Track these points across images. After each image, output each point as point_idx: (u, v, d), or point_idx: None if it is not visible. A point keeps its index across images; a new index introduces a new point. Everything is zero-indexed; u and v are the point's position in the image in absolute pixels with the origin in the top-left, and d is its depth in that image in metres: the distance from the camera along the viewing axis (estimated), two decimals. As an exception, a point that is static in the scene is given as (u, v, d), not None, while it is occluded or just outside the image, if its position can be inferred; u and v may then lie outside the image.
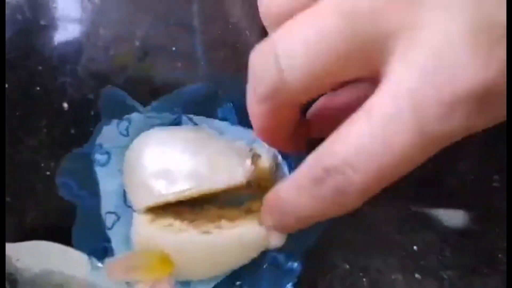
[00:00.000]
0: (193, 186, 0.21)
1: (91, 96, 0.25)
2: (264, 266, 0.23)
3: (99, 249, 0.23)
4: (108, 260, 0.20)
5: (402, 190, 0.24)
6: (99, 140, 0.24)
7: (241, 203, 0.24)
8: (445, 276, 0.24)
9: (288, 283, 0.23)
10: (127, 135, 0.23)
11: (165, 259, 0.20)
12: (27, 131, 0.26)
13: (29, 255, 0.25)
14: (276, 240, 0.22)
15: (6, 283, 0.25)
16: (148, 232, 0.21)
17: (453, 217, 0.23)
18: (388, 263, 0.24)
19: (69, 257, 0.25)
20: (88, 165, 0.24)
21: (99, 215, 0.23)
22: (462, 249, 0.24)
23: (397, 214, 0.24)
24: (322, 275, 0.25)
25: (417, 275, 0.24)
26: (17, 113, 0.26)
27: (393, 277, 0.24)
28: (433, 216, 0.24)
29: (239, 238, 0.21)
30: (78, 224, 0.23)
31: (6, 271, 0.26)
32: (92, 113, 0.25)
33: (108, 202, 0.23)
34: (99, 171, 0.24)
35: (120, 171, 0.23)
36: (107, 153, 0.24)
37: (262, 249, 0.22)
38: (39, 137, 0.26)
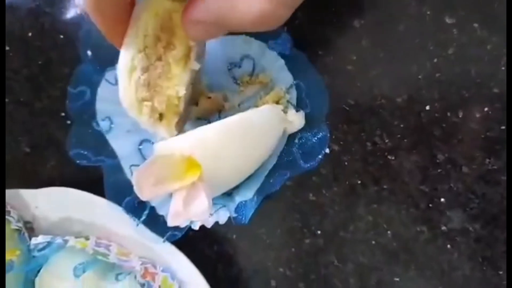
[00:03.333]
0: None
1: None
2: (295, 148, 0.23)
3: (133, 203, 0.23)
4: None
5: (429, 140, 0.23)
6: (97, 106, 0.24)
7: None
8: (471, 229, 0.23)
9: (322, 150, 0.22)
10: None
11: (189, 162, 0.19)
12: (49, 80, 0.26)
13: (47, 202, 0.25)
14: (297, 122, 0.22)
15: (24, 231, 0.25)
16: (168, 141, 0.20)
17: (480, 166, 0.23)
18: (413, 215, 0.24)
19: (88, 202, 0.24)
20: (94, 133, 0.24)
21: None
22: (489, 201, 0.23)
23: (423, 164, 0.23)
24: (345, 227, 0.24)
25: (443, 228, 0.23)
26: (40, 62, 0.26)
27: (418, 229, 0.24)
28: (459, 166, 0.23)
29: (259, 113, 0.21)
30: (108, 181, 0.23)
31: (23, 220, 0.26)
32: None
33: (128, 162, 0.23)
34: (108, 137, 0.24)
35: (129, 131, 0.24)
36: (108, 118, 0.24)
37: (285, 125, 0.22)
38: (61, 85, 0.26)
